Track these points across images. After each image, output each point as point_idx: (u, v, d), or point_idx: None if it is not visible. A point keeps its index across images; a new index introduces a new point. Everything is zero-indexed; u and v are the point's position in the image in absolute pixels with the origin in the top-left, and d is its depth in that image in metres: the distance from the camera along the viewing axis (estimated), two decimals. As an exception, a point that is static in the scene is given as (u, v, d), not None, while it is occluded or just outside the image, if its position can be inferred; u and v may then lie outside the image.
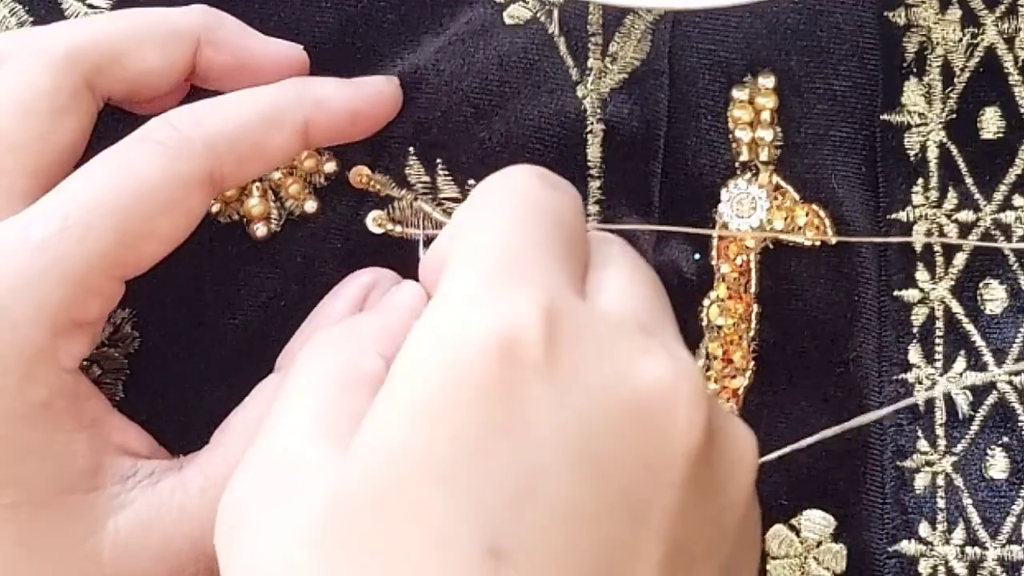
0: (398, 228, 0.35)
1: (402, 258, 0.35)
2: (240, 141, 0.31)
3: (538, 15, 0.35)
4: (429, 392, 0.24)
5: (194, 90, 0.34)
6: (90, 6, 0.35)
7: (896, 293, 0.35)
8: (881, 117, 0.35)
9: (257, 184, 0.35)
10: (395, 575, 0.23)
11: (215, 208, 0.34)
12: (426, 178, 0.35)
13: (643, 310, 0.27)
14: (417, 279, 0.33)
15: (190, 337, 0.34)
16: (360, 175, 0.35)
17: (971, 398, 0.34)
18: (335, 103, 0.33)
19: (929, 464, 0.34)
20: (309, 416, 0.27)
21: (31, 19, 0.35)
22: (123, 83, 0.32)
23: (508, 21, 0.35)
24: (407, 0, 0.35)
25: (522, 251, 0.26)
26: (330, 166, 0.35)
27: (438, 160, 0.35)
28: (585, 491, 0.24)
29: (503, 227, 0.27)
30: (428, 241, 0.35)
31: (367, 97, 0.34)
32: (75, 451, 0.29)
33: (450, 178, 0.35)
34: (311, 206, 0.35)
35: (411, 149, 0.35)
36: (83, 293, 0.29)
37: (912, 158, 0.35)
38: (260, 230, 0.35)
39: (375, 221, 0.35)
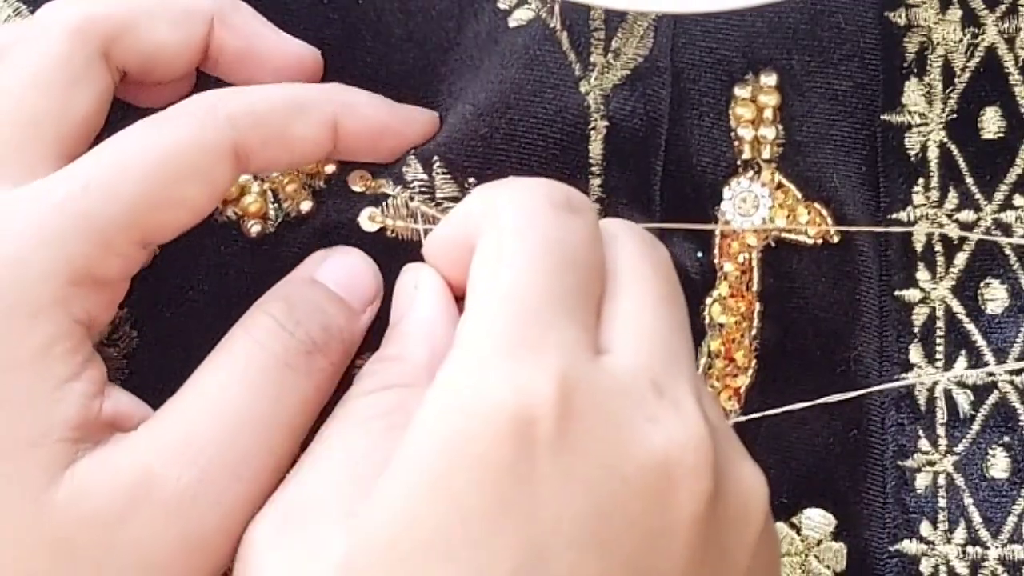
0: (396, 223, 0.35)
1: (395, 257, 0.34)
2: (264, 122, 0.31)
3: (540, 12, 0.35)
4: (439, 464, 0.24)
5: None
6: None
7: (897, 293, 0.35)
8: (882, 117, 0.35)
9: (257, 183, 0.34)
10: None
11: None
12: (423, 176, 0.35)
13: (657, 357, 0.27)
14: None
15: (186, 337, 0.34)
16: (362, 178, 0.35)
17: (972, 397, 0.34)
18: (367, 111, 0.33)
19: (930, 464, 0.34)
20: (342, 466, 0.27)
21: None
22: (137, 55, 0.32)
23: (512, 24, 0.35)
24: (414, 15, 0.35)
25: (538, 309, 0.26)
26: (330, 167, 0.35)
27: (435, 158, 0.35)
28: (591, 567, 0.24)
29: (518, 280, 0.26)
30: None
31: (401, 116, 0.34)
32: (60, 400, 0.28)
33: (448, 176, 0.35)
34: (307, 206, 0.34)
35: (411, 150, 0.35)
36: (104, 251, 0.29)
37: (913, 158, 0.35)
38: (254, 228, 0.34)
39: (369, 218, 0.35)
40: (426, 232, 0.34)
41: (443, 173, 0.35)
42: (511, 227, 0.28)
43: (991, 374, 0.34)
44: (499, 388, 0.25)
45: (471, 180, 0.35)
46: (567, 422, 0.25)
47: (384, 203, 0.35)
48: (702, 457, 0.25)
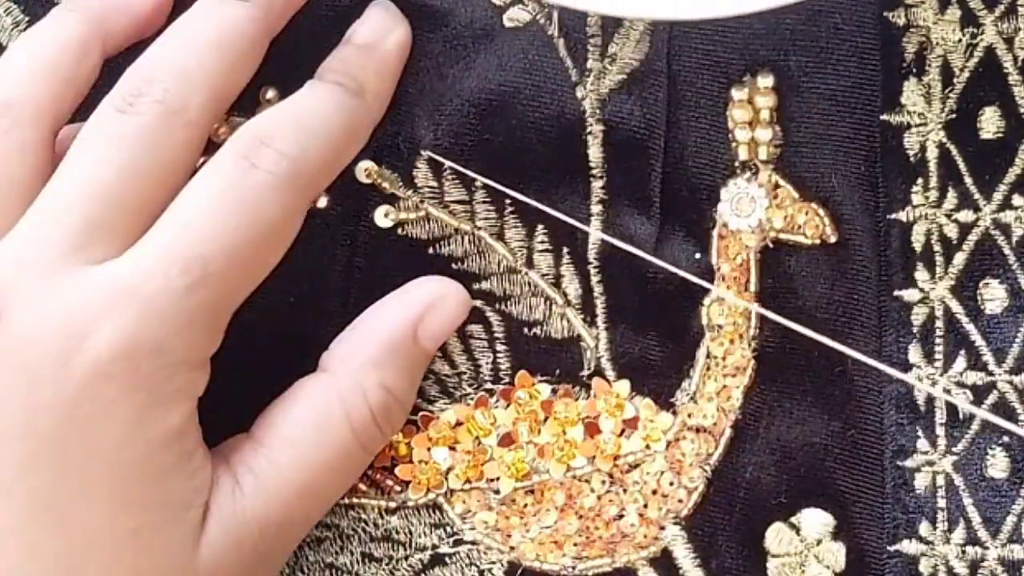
0: (410, 216, 0.35)
1: (409, 254, 0.35)
2: (331, 163, 0.33)
3: (537, 17, 0.35)
4: None
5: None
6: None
7: (896, 293, 0.35)
8: (880, 117, 0.35)
9: None
10: None
11: None
12: (433, 183, 0.35)
13: None
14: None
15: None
16: (367, 170, 0.35)
17: (971, 398, 0.34)
18: None
19: (929, 464, 0.34)
20: None
21: (27, 18, 0.35)
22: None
23: (508, 24, 0.35)
24: (407, 3, 0.35)
25: None
26: None
27: (444, 166, 0.35)
28: None
29: None
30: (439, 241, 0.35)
31: None
32: (196, 470, 0.31)
33: (457, 181, 0.35)
34: (322, 202, 0.35)
35: (420, 153, 0.35)
36: (219, 332, 0.31)
37: (912, 158, 0.35)
38: None
39: (384, 214, 0.35)
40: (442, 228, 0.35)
41: (452, 178, 0.35)
42: None
43: (990, 374, 0.34)
44: None
45: (477, 183, 0.35)
46: None
47: (397, 203, 0.35)
48: None
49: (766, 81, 0.35)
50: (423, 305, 0.34)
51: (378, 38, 0.34)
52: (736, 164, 0.35)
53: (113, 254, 0.30)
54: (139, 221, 0.30)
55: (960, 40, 0.35)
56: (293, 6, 0.34)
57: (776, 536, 0.35)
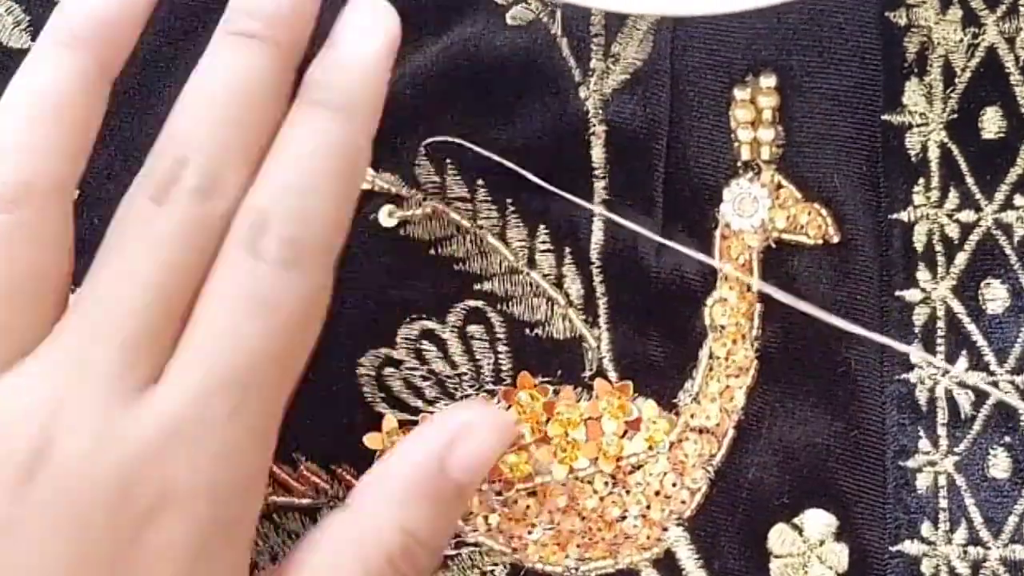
0: (415, 213, 0.35)
1: (411, 257, 0.35)
2: (339, 214, 0.30)
3: (541, 16, 0.35)
4: None
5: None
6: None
7: (898, 293, 0.35)
8: (882, 117, 0.35)
9: None
10: None
11: None
12: (435, 178, 0.35)
13: None
14: (425, 280, 0.35)
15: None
16: (365, 175, 0.35)
17: (973, 398, 0.34)
18: None
19: (931, 464, 0.34)
20: None
21: (28, 18, 0.35)
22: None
23: (510, 22, 0.35)
24: (410, 2, 0.35)
25: None
26: None
27: (448, 160, 0.35)
28: None
29: None
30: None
31: None
32: None
33: (459, 178, 0.35)
34: None
35: (421, 150, 0.35)
36: (271, 439, 0.29)
37: (913, 158, 0.35)
38: None
39: (388, 213, 0.35)
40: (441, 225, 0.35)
41: (454, 174, 0.35)
42: None
43: (992, 374, 0.34)
44: None
45: (479, 182, 0.35)
46: None
47: (401, 202, 0.35)
48: None
49: (768, 81, 0.35)
50: (451, 434, 0.31)
51: (364, 40, 0.30)
52: (738, 164, 0.35)
53: (155, 370, 0.28)
54: (177, 326, 0.28)
55: (962, 40, 0.35)
56: (307, 21, 0.30)
57: (779, 537, 0.35)
